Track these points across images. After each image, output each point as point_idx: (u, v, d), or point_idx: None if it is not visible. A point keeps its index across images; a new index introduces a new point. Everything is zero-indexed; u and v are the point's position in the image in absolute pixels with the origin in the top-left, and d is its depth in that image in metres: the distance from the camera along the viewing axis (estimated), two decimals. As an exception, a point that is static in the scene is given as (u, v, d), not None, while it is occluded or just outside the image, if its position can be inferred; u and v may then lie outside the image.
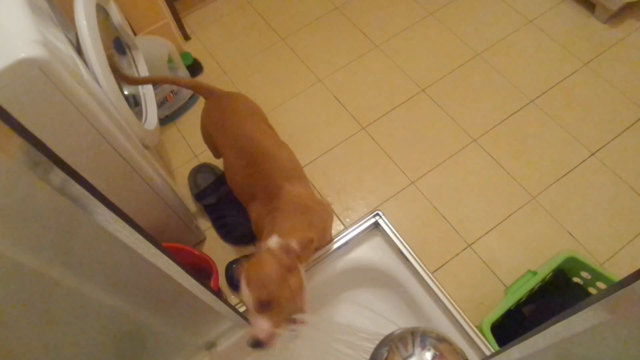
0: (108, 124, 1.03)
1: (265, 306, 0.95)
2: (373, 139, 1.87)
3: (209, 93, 1.39)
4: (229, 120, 1.29)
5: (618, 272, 1.51)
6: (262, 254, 1.01)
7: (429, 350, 0.77)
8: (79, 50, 1.11)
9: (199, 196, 1.67)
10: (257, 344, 0.95)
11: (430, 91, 1.97)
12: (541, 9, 2.15)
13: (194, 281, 0.74)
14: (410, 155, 1.81)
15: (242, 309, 1.12)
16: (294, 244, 1.00)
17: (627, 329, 0.51)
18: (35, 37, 0.81)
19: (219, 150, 1.35)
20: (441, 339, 0.80)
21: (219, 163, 1.82)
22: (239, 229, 1.63)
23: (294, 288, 1.00)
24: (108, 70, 1.15)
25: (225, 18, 2.30)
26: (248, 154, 1.22)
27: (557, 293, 1.39)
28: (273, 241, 1.03)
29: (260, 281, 0.96)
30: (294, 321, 1.01)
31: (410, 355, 0.77)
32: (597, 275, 1.34)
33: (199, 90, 1.43)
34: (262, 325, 0.95)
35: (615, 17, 2.06)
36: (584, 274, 1.38)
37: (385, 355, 0.81)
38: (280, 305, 0.97)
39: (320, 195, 1.32)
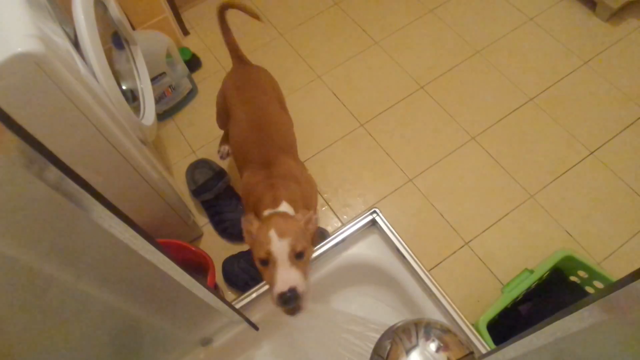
0: (105, 119, 1.03)
1: (299, 257, 1.00)
2: (371, 136, 1.86)
3: (238, 58, 1.49)
4: (249, 86, 1.39)
5: (615, 271, 1.51)
6: (282, 214, 1.08)
7: (433, 341, 0.76)
8: (76, 44, 1.10)
9: (196, 192, 1.67)
10: (291, 297, 0.96)
11: (430, 88, 1.96)
12: (542, 6, 2.14)
13: (189, 277, 0.74)
14: (408, 153, 1.81)
15: (238, 305, 1.12)
16: (316, 216, 1.10)
17: (624, 329, 0.51)
18: (32, 31, 0.81)
19: (230, 112, 1.41)
20: (446, 330, 0.79)
21: (216, 159, 1.82)
22: (237, 225, 1.62)
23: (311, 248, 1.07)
24: (106, 65, 1.14)
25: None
26: (256, 120, 1.32)
27: (554, 292, 1.39)
28: (288, 207, 1.12)
29: (296, 233, 1.00)
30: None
31: (414, 347, 0.76)
32: (594, 274, 1.34)
33: (234, 52, 1.50)
34: (296, 275, 0.97)
35: (616, 15, 2.06)
36: (581, 273, 1.38)
37: (388, 347, 0.80)
38: (307, 260, 1.02)
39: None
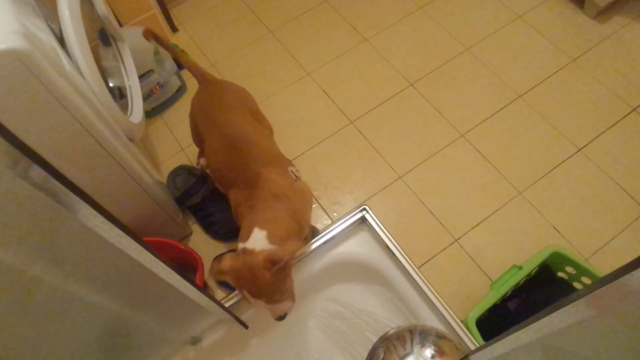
0: (92, 117, 1.01)
1: (277, 302, 1.07)
2: (361, 133, 1.86)
3: (202, 77, 1.41)
4: (215, 107, 1.32)
5: (603, 267, 1.53)
6: (249, 256, 1.05)
7: (428, 347, 0.76)
8: (61, 41, 1.09)
9: (181, 198, 1.64)
10: (283, 316, 1.10)
11: (419, 85, 1.97)
12: (530, 4, 2.15)
13: (177, 277, 0.73)
14: (398, 150, 1.82)
15: (227, 304, 1.11)
16: (279, 254, 1.03)
17: (610, 324, 0.51)
18: (16, 28, 0.79)
19: (202, 136, 1.37)
20: (441, 336, 0.79)
21: (194, 163, 1.81)
22: (228, 225, 1.62)
23: (288, 278, 1.11)
24: (92, 62, 1.12)
25: (213, 10, 2.27)
26: (228, 141, 1.24)
27: (542, 288, 1.40)
28: (260, 235, 1.06)
29: (262, 291, 1.04)
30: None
31: (409, 354, 0.76)
32: (581, 271, 1.35)
33: (195, 73, 1.44)
34: (279, 308, 1.08)
35: (604, 13, 2.07)
36: (569, 269, 1.39)
37: (381, 355, 0.80)
38: (286, 294, 1.09)
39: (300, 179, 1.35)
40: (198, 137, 1.53)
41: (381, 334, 1.11)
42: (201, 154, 1.77)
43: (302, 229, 1.18)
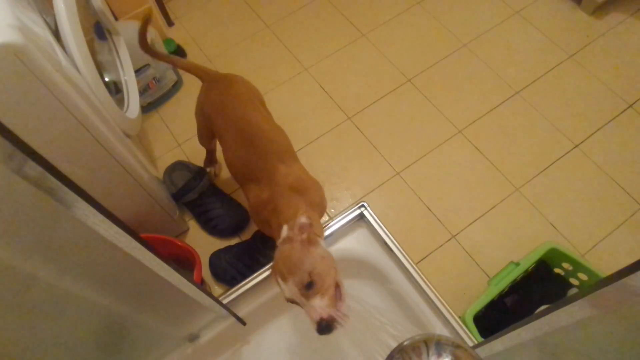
0: (87, 112, 1.00)
1: (310, 287, 0.93)
2: (359, 129, 1.86)
3: (206, 75, 1.38)
4: (228, 103, 1.29)
5: (599, 263, 1.53)
6: (281, 246, 1.00)
7: (445, 357, 0.74)
8: (57, 35, 1.07)
9: (178, 195, 1.63)
10: (326, 326, 0.91)
11: (417, 81, 1.96)
12: (528, 0, 2.15)
13: (176, 274, 0.73)
14: (395, 146, 1.81)
15: (225, 301, 1.11)
16: (304, 219, 1.00)
17: (612, 323, 0.51)
18: (11, 21, 0.78)
19: (217, 133, 1.34)
20: (457, 346, 0.77)
21: (193, 159, 1.80)
22: (225, 221, 1.61)
23: (324, 257, 0.99)
24: (88, 55, 1.11)
25: (210, 4, 2.26)
26: (246, 136, 1.23)
27: (539, 284, 1.40)
28: (284, 232, 1.03)
29: (292, 267, 0.94)
30: (340, 297, 0.98)
31: None
32: (578, 267, 1.36)
33: (195, 72, 1.41)
34: (318, 306, 0.92)
35: (601, 9, 2.07)
36: (566, 265, 1.39)
37: None
38: (322, 279, 0.94)
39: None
40: (207, 137, 1.51)
41: (378, 330, 1.11)
42: (209, 160, 1.73)
43: (321, 218, 1.19)
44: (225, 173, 1.80)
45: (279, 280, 0.96)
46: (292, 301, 0.97)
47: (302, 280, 0.93)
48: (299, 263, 0.94)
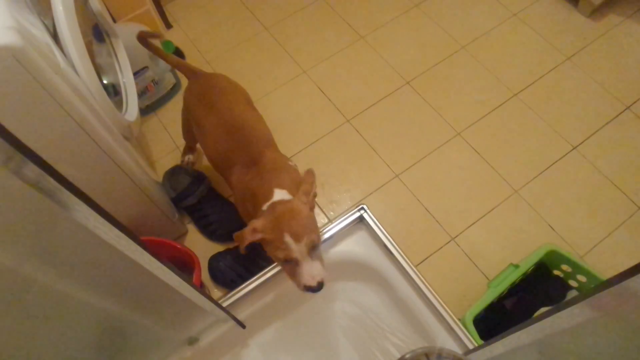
0: (86, 114, 1.00)
1: (315, 248, 1.03)
2: (357, 131, 1.86)
3: (193, 73, 1.44)
4: (213, 96, 1.35)
5: (598, 265, 1.53)
6: (281, 205, 1.06)
7: None
8: (55, 37, 1.07)
9: (177, 199, 1.62)
10: (317, 287, 1.01)
11: (415, 84, 1.96)
12: (525, 2, 2.15)
13: (175, 277, 0.72)
14: (394, 148, 1.81)
15: (225, 304, 1.11)
16: (307, 186, 1.09)
17: (613, 326, 0.51)
18: (9, 23, 0.78)
19: (195, 122, 1.39)
20: (458, 358, 0.77)
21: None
22: (224, 226, 1.61)
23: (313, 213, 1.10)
24: (86, 58, 1.11)
25: (208, 6, 2.26)
26: (229, 125, 1.28)
27: (538, 286, 1.40)
28: (282, 193, 1.11)
29: (306, 227, 1.01)
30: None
31: None
32: (577, 268, 1.36)
33: (184, 70, 1.47)
34: (317, 267, 1.02)
35: (598, 11, 2.08)
36: (565, 267, 1.39)
37: None
38: (320, 243, 1.06)
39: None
40: (190, 130, 1.56)
41: (378, 334, 1.11)
42: (187, 149, 1.77)
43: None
44: (204, 161, 1.82)
45: (289, 238, 1.00)
46: (286, 260, 1.03)
47: (313, 241, 1.01)
48: (311, 224, 1.04)
